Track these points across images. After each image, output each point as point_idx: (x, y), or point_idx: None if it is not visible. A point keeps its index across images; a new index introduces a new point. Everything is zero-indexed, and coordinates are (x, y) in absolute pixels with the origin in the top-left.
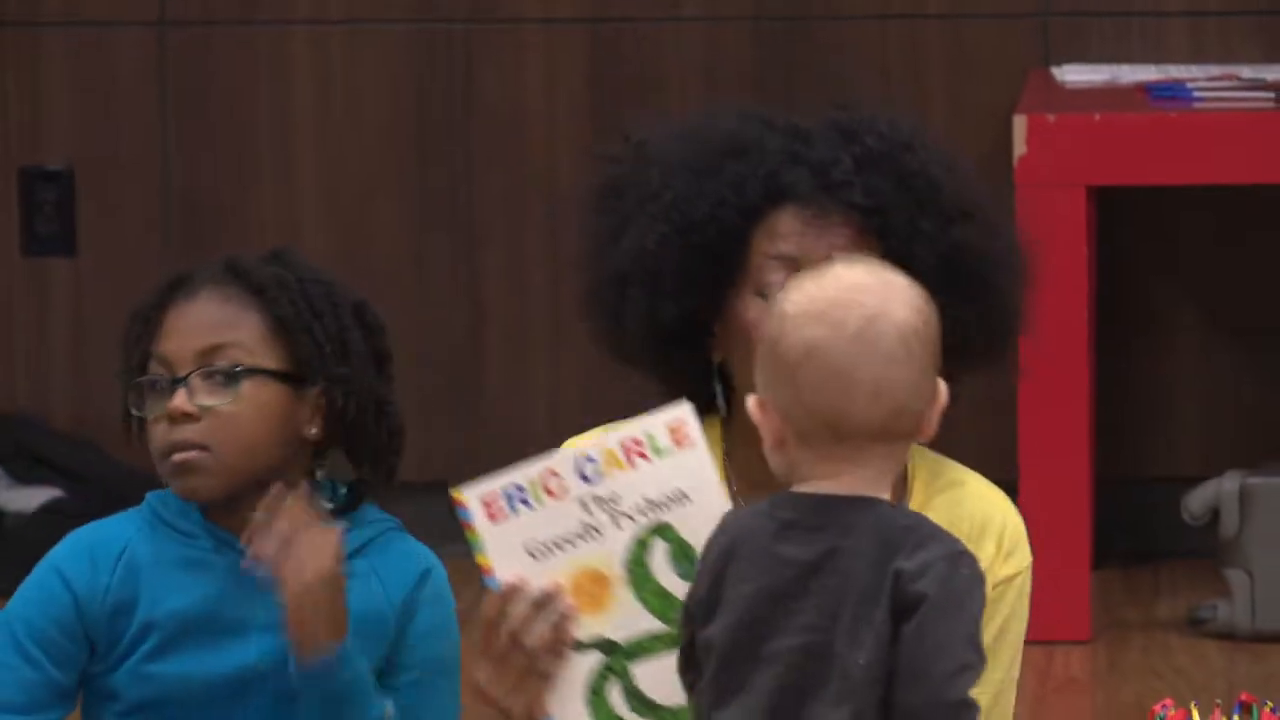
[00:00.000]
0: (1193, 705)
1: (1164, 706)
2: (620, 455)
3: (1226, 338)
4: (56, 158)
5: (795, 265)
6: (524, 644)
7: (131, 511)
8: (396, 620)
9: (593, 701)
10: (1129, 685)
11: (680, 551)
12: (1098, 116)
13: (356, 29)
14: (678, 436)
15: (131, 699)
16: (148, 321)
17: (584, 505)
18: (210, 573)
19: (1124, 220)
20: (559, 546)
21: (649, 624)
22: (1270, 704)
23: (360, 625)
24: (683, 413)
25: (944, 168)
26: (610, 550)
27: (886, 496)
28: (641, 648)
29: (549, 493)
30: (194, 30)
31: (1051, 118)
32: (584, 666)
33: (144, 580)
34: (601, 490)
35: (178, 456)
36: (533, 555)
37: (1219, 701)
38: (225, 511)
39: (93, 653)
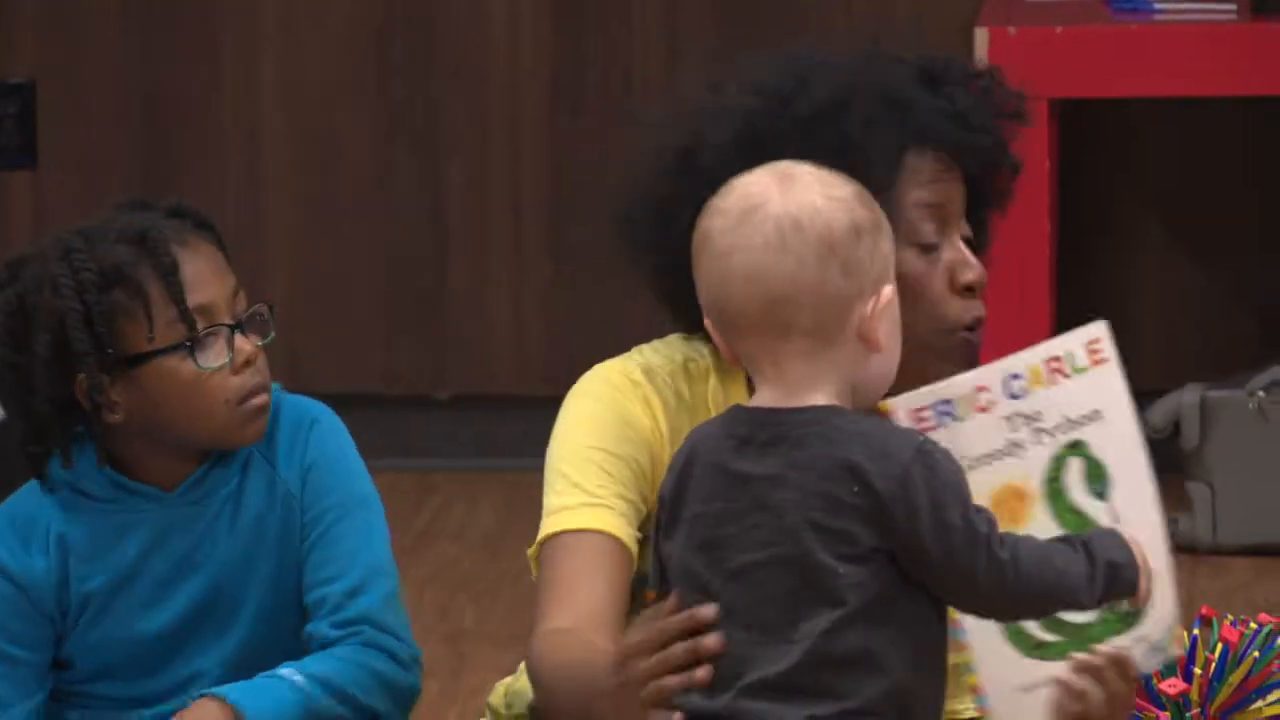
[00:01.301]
0: None
1: None
2: (1044, 372)
3: (1188, 251)
4: (18, 70)
5: (940, 208)
6: (663, 681)
7: (34, 485)
8: (298, 489)
9: None
10: None
11: (1094, 470)
12: (1059, 29)
13: None
14: (1095, 354)
15: (85, 667)
16: (165, 280)
17: (1010, 422)
18: (135, 532)
19: (1086, 133)
20: (984, 461)
21: None
22: (1231, 617)
23: (263, 524)
24: (1099, 330)
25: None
26: (1030, 466)
27: (836, 402)
28: None
29: (978, 408)
30: None
31: (1012, 30)
32: None
33: (73, 555)
34: (1026, 407)
35: (259, 400)
36: None
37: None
38: (145, 467)
39: (52, 626)
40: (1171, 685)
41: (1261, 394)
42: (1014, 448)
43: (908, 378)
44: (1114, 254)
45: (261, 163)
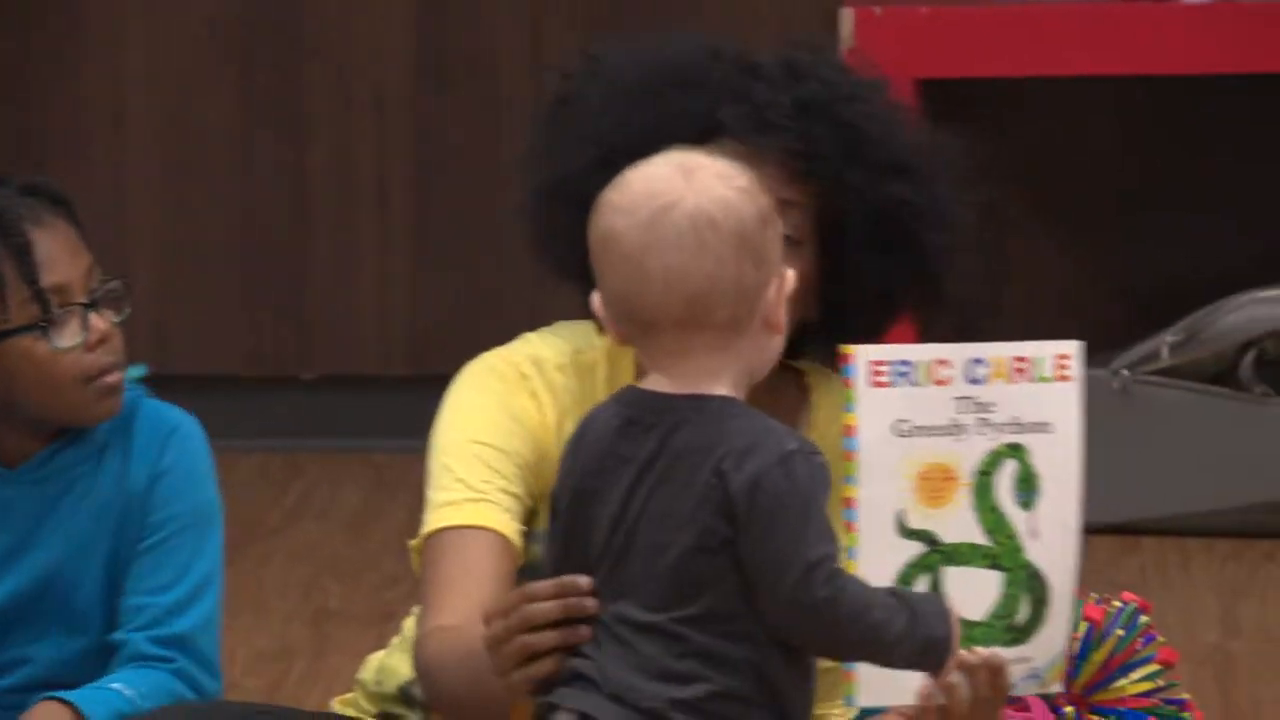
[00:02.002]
0: None
1: None
2: (1008, 367)
3: (1051, 229)
4: None
5: None
6: (528, 638)
7: None
8: (145, 491)
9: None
10: None
11: (1025, 478)
12: (924, 10)
13: None
14: (1062, 369)
15: None
16: (19, 260)
17: (960, 403)
18: None
19: (952, 114)
20: (922, 432)
21: (975, 535)
22: (1094, 595)
23: (104, 513)
24: (1071, 348)
25: (886, 123)
26: (967, 452)
27: (728, 393)
28: (960, 554)
29: (935, 380)
30: None
31: (878, 10)
32: (904, 553)
33: None
34: (980, 394)
35: (112, 378)
36: (896, 431)
37: None
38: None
39: None
40: None
41: (1125, 373)
42: (956, 429)
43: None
44: (984, 233)
45: (126, 144)
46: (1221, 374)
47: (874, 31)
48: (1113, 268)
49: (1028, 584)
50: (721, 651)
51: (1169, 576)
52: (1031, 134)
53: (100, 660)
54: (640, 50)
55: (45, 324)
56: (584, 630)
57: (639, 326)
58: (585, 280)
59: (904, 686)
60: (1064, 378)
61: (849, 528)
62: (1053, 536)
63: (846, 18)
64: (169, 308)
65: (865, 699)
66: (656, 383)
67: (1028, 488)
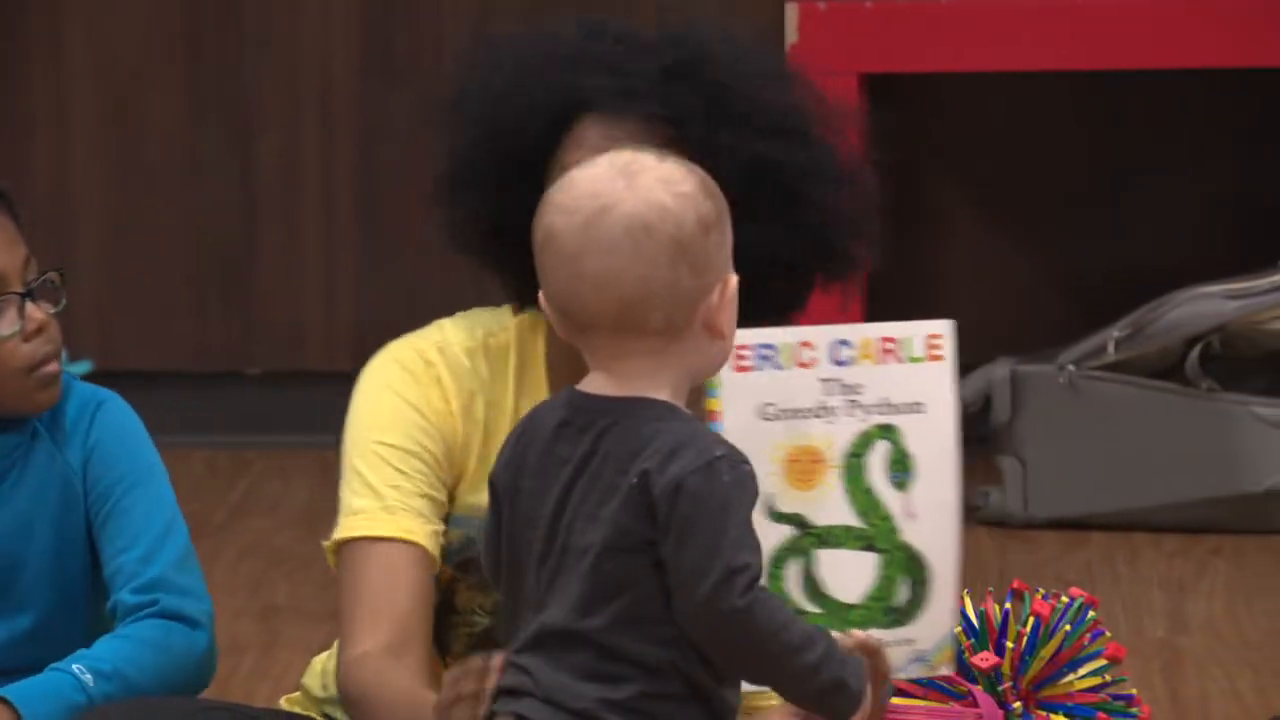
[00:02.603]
0: (965, 593)
1: None
2: (876, 348)
3: (1000, 227)
4: None
5: None
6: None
7: None
8: (80, 470)
9: (770, 571)
10: None
11: (898, 458)
12: (869, 4)
13: None
14: (933, 349)
15: None
16: None
17: (827, 385)
18: None
19: (896, 107)
20: (791, 415)
21: (847, 517)
22: (1042, 591)
23: (42, 496)
24: (943, 327)
25: (759, 84)
26: (836, 434)
27: (666, 397)
28: (833, 536)
29: (799, 362)
30: None
31: (822, 5)
32: (774, 537)
33: None
34: (847, 376)
35: (50, 368)
36: (761, 415)
37: (991, 589)
38: None
39: None
40: (984, 659)
41: (1071, 368)
42: (825, 411)
43: None
44: (925, 227)
45: (70, 137)
46: (1168, 369)
47: (818, 26)
48: (1059, 263)
49: (905, 565)
50: (645, 654)
51: (1117, 571)
52: (978, 129)
53: (47, 641)
54: (528, 32)
55: None
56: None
57: (577, 327)
58: (491, 262)
59: None
60: (936, 357)
61: None
62: (930, 517)
63: (791, 13)
64: (114, 302)
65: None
66: (596, 384)
67: (902, 469)
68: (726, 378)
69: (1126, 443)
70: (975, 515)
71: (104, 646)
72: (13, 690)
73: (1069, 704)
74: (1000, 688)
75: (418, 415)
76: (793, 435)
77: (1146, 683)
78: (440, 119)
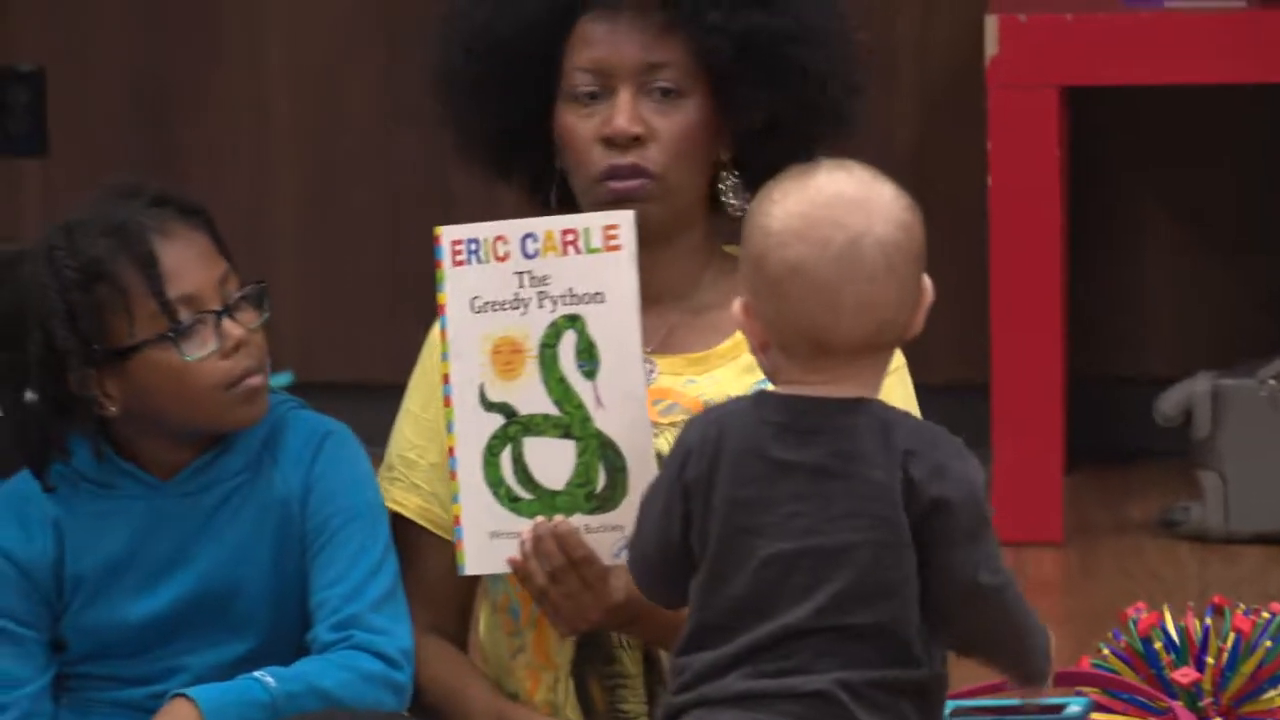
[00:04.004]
0: (1165, 608)
1: (1136, 609)
2: (558, 240)
3: (1199, 239)
4: (27, 59)
5: (600, 73)
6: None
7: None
8: (300, 499)
9: (487, 459)
10: (1101, 588)
11: (585, 347)
12: (1070, 17)
13: None
14: (610, 239)
15: (79, 648)
16: (143, 272)
17: (520, 278)
18: (127, 518)
19: (1097, 120)
20: (494, 308)
21: (546, 406)
22: (1243, 606)
23: (263, 523)
24: (620, 218)
25: None
26: (530, 326)
27: (874, 394)
28: (535, 424)
29: (496, 256)
30: None
31: (1023, 18)
32: (488, 425)
33: (68, 538)
34: (536, 268)
35: (252, 381)
36: (473, 308)
37: (1191, 604)
38: (146, 450)
39: (49, 609)
40: (1184, 674)
41: (1273, 382)
42: (520, 303)
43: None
44: (1126, 241)
45: (269, 146)
46: None
47: (1019, 38)
48: (1260, 277)
49: (600, 452)
50: (907, 645)
51: None
52: (1177, 142)
53: (261, 667)
54: None
55: (174, 334)
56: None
57: (819, 351)
58: (501, 169)
59: (500, 556)
60: (613, 248)
61: (446, 402)
62: (618, 405)
63: (991, 25)
64: (313, 311)
65: (471, 568)
66: (805, 388)
67: (589, 358)
68: (448, 272)
69: None
70: (1175, 530)
71: (298, 665)
72: (194, 689)
73: None
74: (1201, 703)
75: (428, 380)
76: (496, 327)
77: None
78: (439, 28)
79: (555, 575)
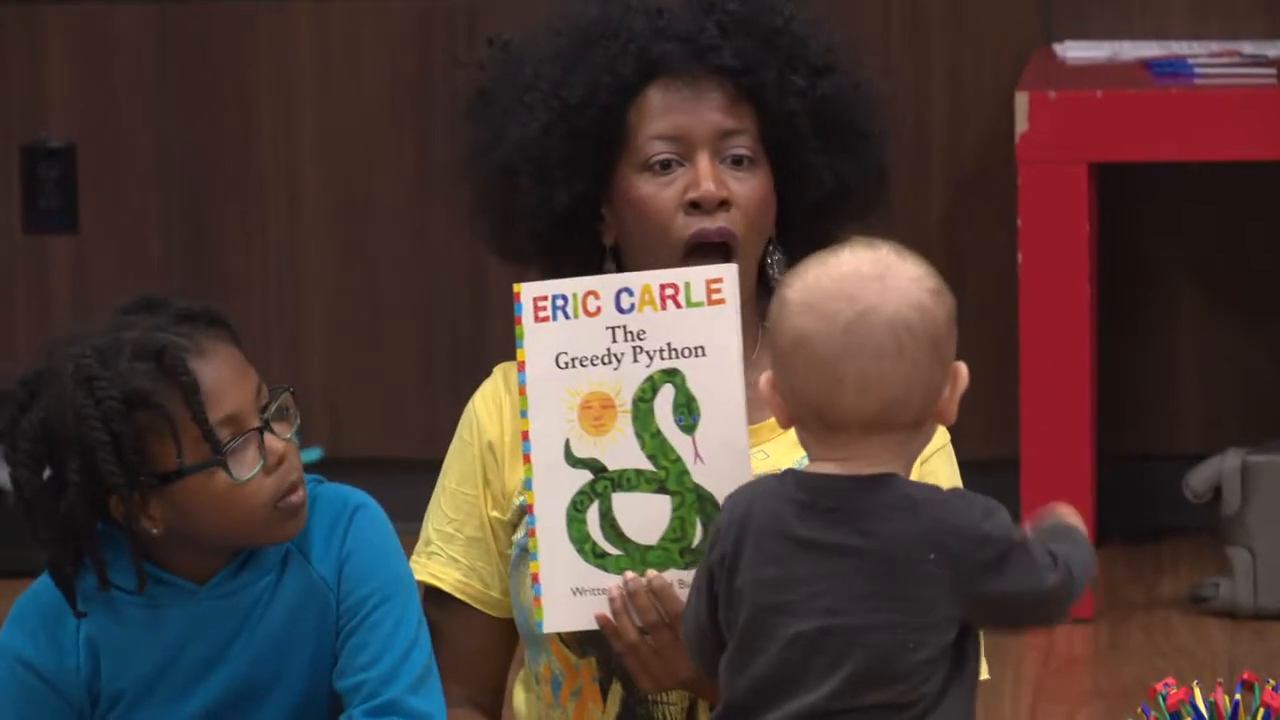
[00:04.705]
0: (1195, 684)
1: (1166, 685)
2: (656, 294)
3: (1229, 314)
4: (58, 134)
5: (678, 140)
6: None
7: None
8: (335, 578)
9: (572, 514)
10: (1131, 663)
11: (684, 402)
12: (1099, 93)
13: (357, 3)
14: (714, 293)
15: None
16: (188, 401)
17: (612, 332)
18: (166, 626)
19: (1126, 197)
20: (581, 363)
21: (639, 460)
22: (1273, 682)
23: (299, 617)
24: (724, 271)
25: (806, 23)
26: (624, 380)
27: (900, 471)
28: (627, 480)
29: (587, 311)
30: (195, 5)
31: (1053, 94)
32: (574, 481)
33: (104, 653)
34: (631, 323)
35: (296, 497)
36: (558, 364)
37: (1221, 680)
38: (180, 560)
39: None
40: None
41: None
42: (612, 358)
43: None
44: (1155, 317)
45: (300, 224)
46: None
47: (1049, 115)
48: None
49: (698, 507)
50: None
51: None
52: (1206, 218)
53: None
54: (551, 21)
55: (221, 460)
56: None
57: (825, 426)
58: (549, 255)
59: (583, 613)
60: (717, 302)
61: (526, 459)
62: (719, 459)
63: (1021, 101)
64: (344, 386)
65: (551, 625)
66: (829, 466)
67: (688, 412)
68: (529, 329)
69: None
70: (1205, 606)
71: None
72: None
73: None
74: None
75: (467, 452)
76: (584, 382)
77: None
78: (476, 125)
79: (648, 630)
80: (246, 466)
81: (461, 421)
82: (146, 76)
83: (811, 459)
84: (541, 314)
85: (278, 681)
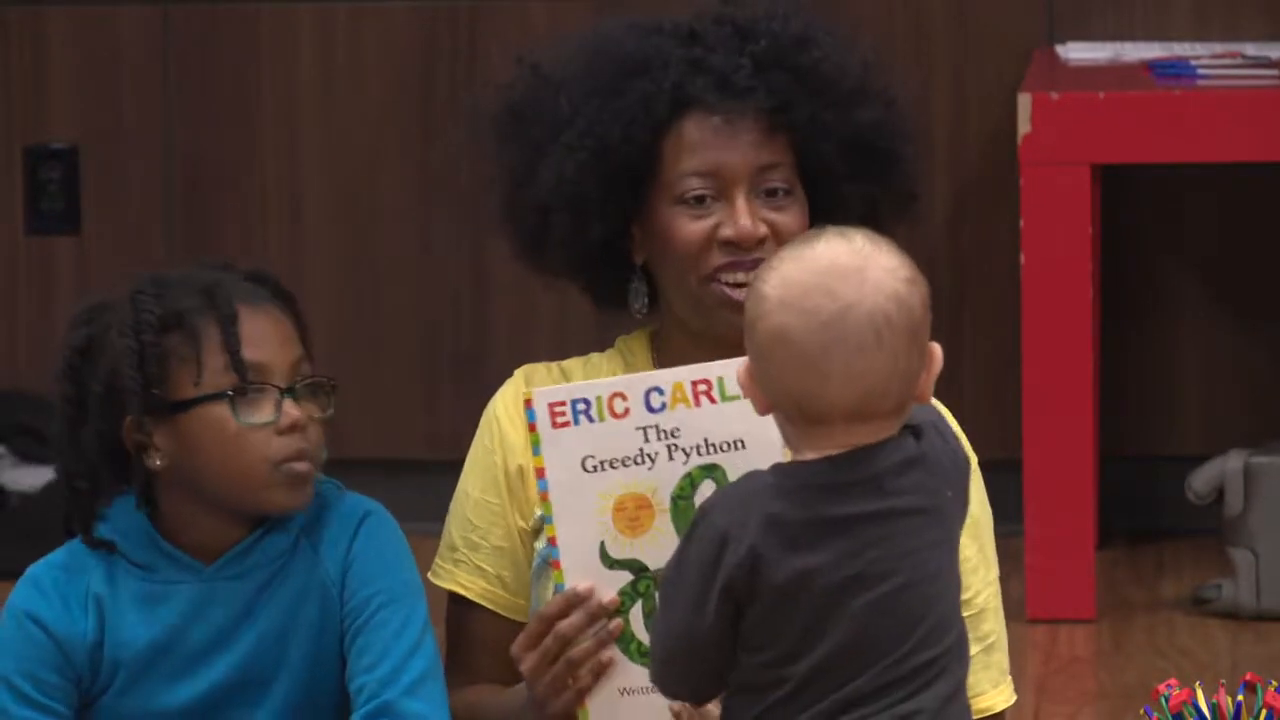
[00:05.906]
0: (1197, 685)
1: (1168, 686)
2: (688, 392)
3: (1231, 316)
4: (61, 136)
5: (713, 176)
6: (569, 653)
7: (77, 544)
8: (339, 580)
9: (614, 614)
10: (1133, 665)
11: None
12: (1102, 95)
13: (361, 5)
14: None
15: None
16: (222, 328)
17: (644, 432)
18: (169, 603)
19: (1128, 198)
20: (612, 465)
21: None
22: (1275, 683)
23: (301, 605)
24: None
25: (840, 54)
26: (660, 480)
27: None
28: None
29: (613, 413)
30: (198, 7)
31: (1055, 96)
32: (614, 582)
33: (108, 619)
34: (664, 422)
35: (300, 466)
36: (584, 468)
37: (1223, 681)
38: (190, 530)
39: (78, 688)
40: None
41: None
42: (645, 458)
43: (693, 330)
44: (1157, 318)
45: (303, 227)
46: None
47: (1051, 117)
48: None
49: None
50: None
51: None
52: (1210, 220)
53: None
54: (585, 46)
55: (234, 394)
56: (613, 625)
57: (808, 419)
58: (582, 277)
59: (632, 714)
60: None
61: (554, 565)
62: None
63: (1024, 103)
64: (344, 390)
65: None
66: (811, 456)
67: None
68: (546, 435)
69: None
70: (1207, 607)
71: None
72: None
73: None
74: None
75: (488, 459)
76: (617, 484)
77: None
78: (506, 147)
79: None
80: (256, 413)
81: (482, 425)
82: (149, 78)
83: (792, 449)
84: (560, 419)
85: (277, 675)
